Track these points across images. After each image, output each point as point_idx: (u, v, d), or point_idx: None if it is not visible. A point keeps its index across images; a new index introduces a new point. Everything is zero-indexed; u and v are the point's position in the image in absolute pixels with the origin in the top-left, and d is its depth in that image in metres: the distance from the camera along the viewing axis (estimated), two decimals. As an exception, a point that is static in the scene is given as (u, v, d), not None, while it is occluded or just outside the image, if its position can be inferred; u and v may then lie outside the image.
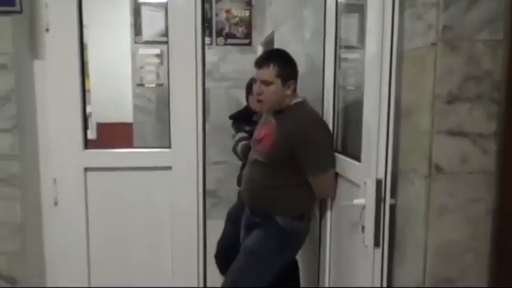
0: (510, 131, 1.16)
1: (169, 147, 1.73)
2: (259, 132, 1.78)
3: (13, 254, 1.53)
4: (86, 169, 1.69)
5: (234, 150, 2.13)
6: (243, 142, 2.07)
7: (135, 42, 3.87)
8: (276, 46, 2.91)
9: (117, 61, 3.93)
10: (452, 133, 1.18)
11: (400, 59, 1.28)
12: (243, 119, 2.23)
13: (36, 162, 1.63)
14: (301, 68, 1.83)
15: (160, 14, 3.94)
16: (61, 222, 1.69)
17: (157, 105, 3.97)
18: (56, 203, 1.68)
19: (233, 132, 2.26)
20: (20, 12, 1.45)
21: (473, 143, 1.18)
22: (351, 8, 1.84)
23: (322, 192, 1.68)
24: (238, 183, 2.11)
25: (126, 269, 1.76)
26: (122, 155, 1.75)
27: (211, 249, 1.93)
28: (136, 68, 3.92)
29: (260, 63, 1.67)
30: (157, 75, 4.08)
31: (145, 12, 3.96)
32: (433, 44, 1.15)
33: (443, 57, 1.14)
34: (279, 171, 1.65)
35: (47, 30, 1.60)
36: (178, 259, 1.75)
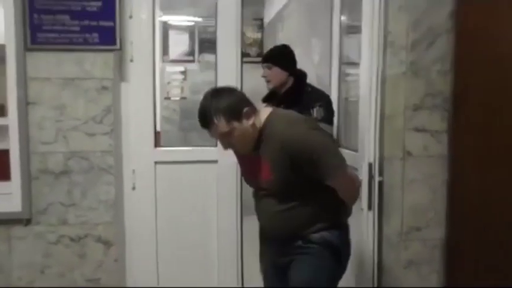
0: (455, 128, 1.78)
1: (216, 145, 2.32)
2: (251, 165, 1.54)
3: (108, 224, 2.12)
4: (156, 162, 2.29)
5: None
6: None
7: (163, 61, 4.50)
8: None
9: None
10: (418, 130, 1.80)
11: (383, 81, 1.90)
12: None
13: (121, 157, 2.22)
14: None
15: (185, 37, 4.50)
16: (137, 202, 2.28)
17: (181, 115, 4.56)
18: (133, 188, 2.26)
19: None
20: (120, 49, 2.07)
21: (431, 136, 1.80)
22: (350, 30, 2.36)
23: (347, 192, 1.48)
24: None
25: (183, 238, 2.33)
26: (181, 152, 2.35)
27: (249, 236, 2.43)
28: (164, 84, 4.54)
29: (203, 125, 1.45)
30: (182, 90, 4.67)
31: (172, 35, 4.60)
32: (404, 73, 1.78)
33: (410, 82, 1.77)
34: (292, 190, 1.46)
35: (131, 60, 2.21)
36: (222, 238, 2.34)
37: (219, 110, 1.41)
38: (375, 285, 1.93)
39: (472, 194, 1.71)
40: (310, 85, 2.31)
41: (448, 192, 1.81)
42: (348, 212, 1.57)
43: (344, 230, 1.54)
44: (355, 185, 1.53)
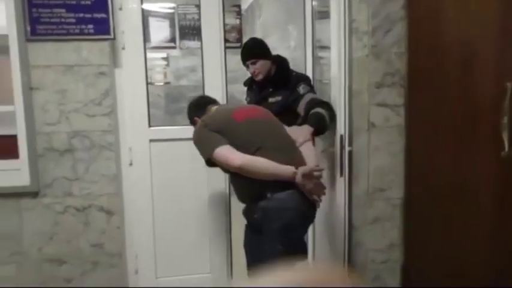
0: (411, 103, 2.07)
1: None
2: None
3: (110, 195, 2.36)
4: (150, 140, 2.53)
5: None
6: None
7: (145, 48, 4.69)
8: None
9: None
10: (380, 104, 2.08)
11: (350, 63, 2.17)
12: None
13: (118, 136, 2.45)
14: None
15: (165, 24, 4.71)
16: (134, 176, 2.52)
17: (166, 99, 4.78)
18: (131, 164, 2.51)
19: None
20: (114, 38, 2.28)
21: (391, 110, 2.08)
22: (322, 15, 2.60)
23: (226, 166, 1.85)
24: None
25: (176, 207, 2.59)
26: (173, 130, 2.59)
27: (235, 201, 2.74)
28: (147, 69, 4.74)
29: None
30: (165, 75, 4.89)
31: (152, 22, 4.79)
32: (367, 55, 2.05)
33: (373, 62, 2.04)
34: (224, 171, 1.99)
35: (123, 48, 2.42)
36: (212, 206, 2.62)
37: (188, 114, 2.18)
38: (347, 240, 2.24)
39: (424, 158, 2.00)
40: (293, 70, 2.55)
41: (405, 157, 2.11)
42: (270, 186, 1.79)
43: (269, 200, 1.79)
44: (231, 165, 1.79)
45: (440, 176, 1.91)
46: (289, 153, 1.89)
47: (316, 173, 1.81)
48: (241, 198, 1.97)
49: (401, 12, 1.99)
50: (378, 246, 2.18)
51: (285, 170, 1.77)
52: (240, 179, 1.83)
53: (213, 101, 2.16)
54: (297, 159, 1.89)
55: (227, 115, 1.94)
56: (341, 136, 2.22)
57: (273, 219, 1.77)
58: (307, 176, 1.78)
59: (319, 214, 2.61)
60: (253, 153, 1.79)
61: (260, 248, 1.81)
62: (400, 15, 1.99)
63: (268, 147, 1.81)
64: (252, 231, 1.91)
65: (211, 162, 1.87)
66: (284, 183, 1.77)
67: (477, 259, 1.72)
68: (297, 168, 1.79)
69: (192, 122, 2.13)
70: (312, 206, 1.90)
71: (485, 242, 1.67)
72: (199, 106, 2.11)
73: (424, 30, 1.93)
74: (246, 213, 1.94)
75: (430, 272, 2.01)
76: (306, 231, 2.04)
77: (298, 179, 1.77)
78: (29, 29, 2.21)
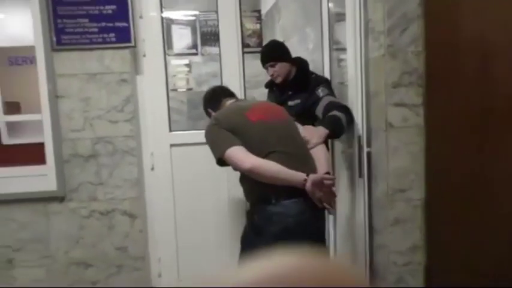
0: (429, 102, 2.04)
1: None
2: None
3: (133, 199, 2.42)
4: (171, 145, 2.58)
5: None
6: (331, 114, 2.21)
7: (168, 55, 4.79)
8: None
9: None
10: (398, 104, 2.06)
11: (367, 63, 2.16)
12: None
13: (140, 141, 2.52)
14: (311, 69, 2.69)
15: (187, 31, 4.80)
16: (156, 180, 2.58)
17: (188, 105, 4.87)
18: (152, 168, 2.57)
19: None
20: (135, 46, 2.35)
21: (409, 110, 2.06)
22: (340, 17, 2.62)
23: (236, 168, 1.82)
24: None
25: (197, 210, 2.64)
26: (193, 135, 2.64)
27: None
28: (170, 76, 4.84)
29: None
30: (187, 81, 4.97)
31: (175, 30, 4.90)
32: (383, 55, 2.03)
33: (389, 62, 2.02)
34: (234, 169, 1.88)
35: (144, 55, 2.49)
36: (232, 207, 2.64)
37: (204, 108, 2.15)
38: (368, 243, 2.22)
39: (444, 157, 1.97)
40: (313, 72, 2.55)
41: (425, 157, 2.08)
42: (277, 191, 1.75)
43: (273, 205, 1.76)
44: (242, 167, 1.75)
45: (461, 175, 1.87)
46: (301, 160, 1.86)
47: (326, 182, 1.77)
48: (248, 199, 1.97)
49: (418, 10, 1.97)
50: (400, 248, 2.15)
51: (296, 176, 1.74)
52: (249, 180, 1.80)
53: (229, 94, 2.09)
54: (308, 166, 1.85)
55: (240, 113, 1.88)
56: (359, 137, 2.21)
57: (272, 223, 1.76)
58: (318, 184, 1.73)
59: (339, 217, 2.61)
60: (264, 157, 1.76)
61: (255, 248, 1.76)
62: (417, 14, 1.97)
63: (280, 152, 1.78)
64: (251, 230, 1.88)
65: (222, 161, 1.83)
66: (291, 190, 1.74)
67: (500, 259, 1.67)
68: (308, 175, 1.75)
69: (207, 114, 2.11)
70: (318, 216, 1.88)
71: (508, 242, 1.62)
72: (214, 98, 2.07)
73: (441, 28, 1.90)
74: (248, 213, 1.93)
75: (454, 273, 1.96)
76: (313, 238, 1.88)
77: (308, 187, 1.72)
78: (54, 39, 2.30)
